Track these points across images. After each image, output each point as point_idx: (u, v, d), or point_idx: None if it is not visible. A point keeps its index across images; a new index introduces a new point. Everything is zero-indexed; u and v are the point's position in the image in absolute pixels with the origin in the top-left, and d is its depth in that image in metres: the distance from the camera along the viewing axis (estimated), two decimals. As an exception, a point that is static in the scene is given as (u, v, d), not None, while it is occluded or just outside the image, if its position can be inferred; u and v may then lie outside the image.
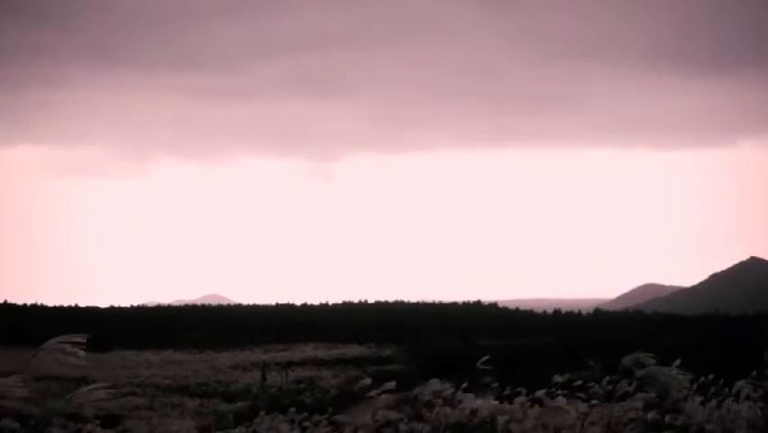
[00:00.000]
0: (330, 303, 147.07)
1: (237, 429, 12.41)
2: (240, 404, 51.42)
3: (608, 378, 8.53)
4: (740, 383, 7.84)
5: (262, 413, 11.47)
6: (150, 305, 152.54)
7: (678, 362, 6.32)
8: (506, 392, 9.90)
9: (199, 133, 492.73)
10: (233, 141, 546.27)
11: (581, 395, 8.98)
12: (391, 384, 8.35)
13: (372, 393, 8.27)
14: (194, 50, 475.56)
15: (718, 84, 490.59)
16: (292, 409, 11.01)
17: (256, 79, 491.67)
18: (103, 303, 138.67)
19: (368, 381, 8.60)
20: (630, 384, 7.55)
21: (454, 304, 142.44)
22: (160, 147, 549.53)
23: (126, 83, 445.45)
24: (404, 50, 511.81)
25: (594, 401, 8.32)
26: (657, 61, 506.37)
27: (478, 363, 8.62)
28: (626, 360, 6.02)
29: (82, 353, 4.43)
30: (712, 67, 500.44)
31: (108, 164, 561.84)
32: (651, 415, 7.03)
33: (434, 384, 8.42)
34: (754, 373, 8.12)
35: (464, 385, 8.92)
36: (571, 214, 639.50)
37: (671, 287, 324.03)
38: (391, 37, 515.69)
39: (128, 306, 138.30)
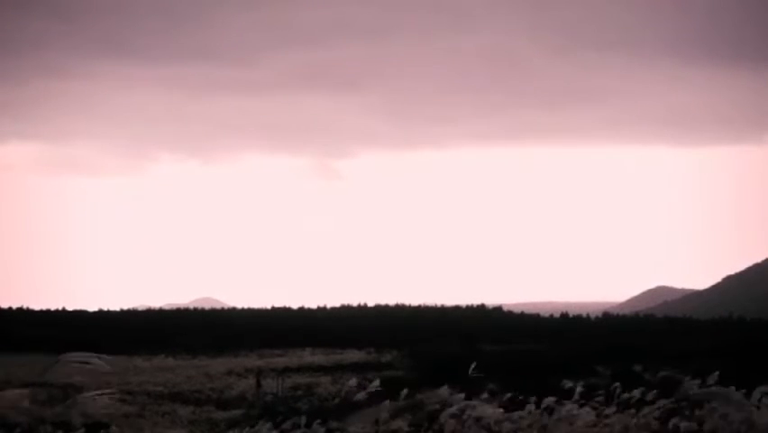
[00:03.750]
0: (328, 307, 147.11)
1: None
2: (234, 412, 51.40)
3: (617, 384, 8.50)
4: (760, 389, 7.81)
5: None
6: (140, 309, 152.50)
7: (717, 374, 6.24)
8: (511, 399, 9.86)
9: (202, 128, 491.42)
10: (237, 137, 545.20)
11: (591, 402, 8.94)
12: (375, 384, 8.30)
13: (360, 396, 8.23)
14: (200, 41, 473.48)
15: (746, 77, 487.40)
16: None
17: (263, 72, 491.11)
18: (91, 306, 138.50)
19: (353, 381, 8.55)
20: (643, 391, 7.51)
21: (457, 308, 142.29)
22: (160, 143, 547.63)
23: (127, 75, 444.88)
24: (419, 43, 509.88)
25: (604, 409, 8.28)
26: (682, 52, 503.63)
27: (469, 371, 8.55)
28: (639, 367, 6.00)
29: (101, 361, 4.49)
30: (739, 59, 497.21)
31: (104, 161, 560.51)
32: (672, 422, 7.00)
33: (443, 392, 8.39)
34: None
35: (468, 392, 8.89)
36: (582, 213, 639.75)
37: (683, 290, 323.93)
38: (407, 29, 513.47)
39: (117, 309, 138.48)
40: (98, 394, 4.91)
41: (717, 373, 6.35)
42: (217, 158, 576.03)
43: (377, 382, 8.31)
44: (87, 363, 4.61)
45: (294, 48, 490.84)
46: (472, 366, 8.74)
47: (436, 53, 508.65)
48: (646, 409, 7.41)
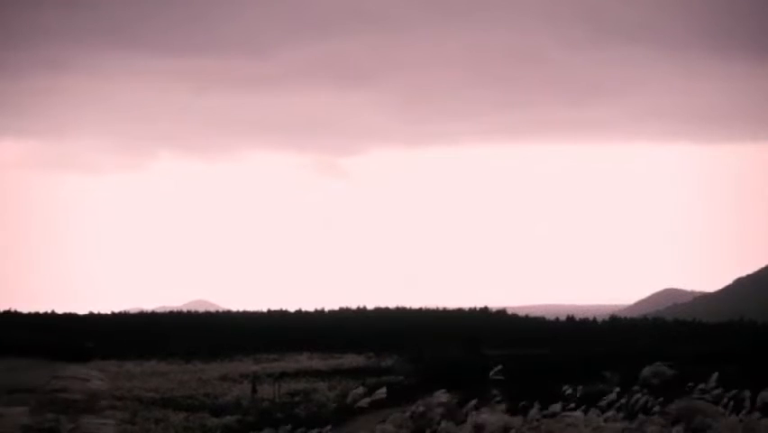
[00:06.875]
0: (326, 310, 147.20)
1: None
2: (228, 418, 51.48)
3: (625, 390, 8.53)
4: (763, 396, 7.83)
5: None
6: (132, 311, 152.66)
7: (715, 375, 6.30)
8: (515, 406, 9.89)
9: (204, 124, 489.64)
10: (240, 133, 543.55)
11: (597, 408, 8.98)
12: (382, 391, 8.33)
13: (363, 403, 8.25)
14: (205, 33, 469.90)
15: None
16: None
17: (269, 66, 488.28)
18: (81, 309, 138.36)
19: (360, 390, 8.59)
20: (650, 397, 7.53)
21: (460, 311, 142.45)
22: (161, 140, 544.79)
23: (128, 69, 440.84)
24: (433, 35, 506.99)
25: (610, 414, 8.31)
26: (705, 46, 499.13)
27: (490, 374, 8.60)
28: (646, 371, 6.03)
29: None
30: (766, 52, 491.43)
31: (102, 159, 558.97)
32: (676, 429, 7.02)
33: (440, 396, 8.41)
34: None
35: (471, 398, 8.91)
36: (588, 213, 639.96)
37: (692, 292, 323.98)
38: (421, 21, 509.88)
39: (109, 312, 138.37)
40: (101, 423, 4.94)
41: (716, 374, 6.40)
42: (219, 155, 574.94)
43: (383, 390, 8.32)
44: (87, 380, 4.66)
45: (303, 40, 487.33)
46: (495, 369, 8.78)
47: (451, 46, 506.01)
48: (651, 415, 7.44)
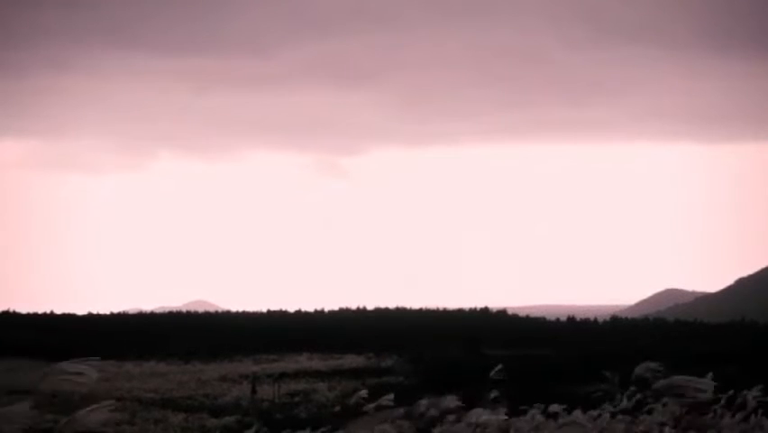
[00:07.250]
0: (326, 310, 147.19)
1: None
2: (228, 419, 51.51)
3: (625, 390, 8.54)
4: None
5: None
6: (131, 312, 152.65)
7: (710, 375, 6.34)
8: (516, 406, 9.90)
9: (204, 124, 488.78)
10: (240, 133, 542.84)
11: (597, 409, 8.99)
12: (389, 397, 8.35)
13: (368, 408, 8.26)
14: (206, 32, 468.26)
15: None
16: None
17: (270, 65, 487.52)
18: (80, 310, 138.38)
19: (365, 392, 8.60)
20: (652, 397, 7.54)
21: (460, 311, 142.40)
22: (161, 140, 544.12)
23: (126, 68, 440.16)
24: (435, 34, 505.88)
25: (610, 415, 8.32)
26: (710, 44, 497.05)
27: (491, 374, 8.62)
28: (638, 369, 6.06)
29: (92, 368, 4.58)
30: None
31: (102, 158, 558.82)
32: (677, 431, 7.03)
33: (445, 399, 8.42)
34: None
35: (471, 399, 8.92)
36: (589, 212, 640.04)
37: (694, 292, 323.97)
38: (420, 20, 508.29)
39: (107, 313, 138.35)
40: (96, 407, 4.91)
41: (710, 373, 6.44)
42: (219, 155, 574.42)
43: (391, 396, 8.33)
44: (80, 373, 4.64)
45: (303, 40, 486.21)
46: (495, 369, 8.80)
47: (451, 46, 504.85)
48: (652, 416, 7.45)
